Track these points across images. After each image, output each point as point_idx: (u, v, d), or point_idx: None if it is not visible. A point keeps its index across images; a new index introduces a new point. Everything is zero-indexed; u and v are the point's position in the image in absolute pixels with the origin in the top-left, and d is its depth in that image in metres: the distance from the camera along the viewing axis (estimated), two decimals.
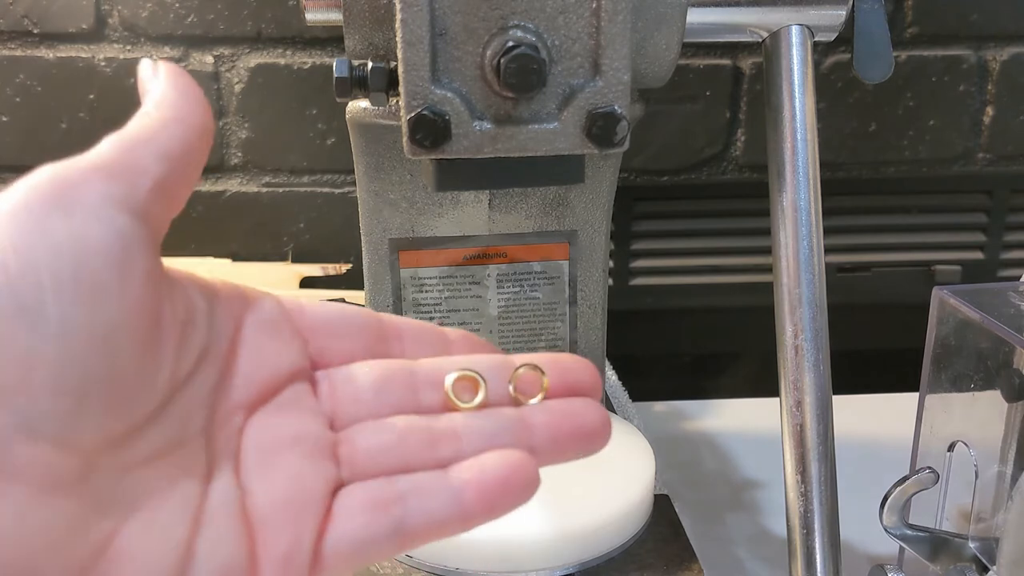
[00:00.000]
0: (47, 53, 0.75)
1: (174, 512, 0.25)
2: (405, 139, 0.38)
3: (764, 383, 0.71)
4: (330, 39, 0.76)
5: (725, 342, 0.88)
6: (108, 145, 0.25)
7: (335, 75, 0.40)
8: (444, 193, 0.52)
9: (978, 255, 0.85)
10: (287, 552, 0.25)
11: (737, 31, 0.49)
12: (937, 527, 0.50)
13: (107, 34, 0.75)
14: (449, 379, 0.28)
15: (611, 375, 0.67)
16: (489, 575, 0.46)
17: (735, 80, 0.80)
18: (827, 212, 0.49)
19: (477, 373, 0.28)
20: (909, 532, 0.47)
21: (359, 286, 0.56)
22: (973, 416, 0.48)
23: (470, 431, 0.28)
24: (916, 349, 0.51)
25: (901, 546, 0.49)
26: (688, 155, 0.82)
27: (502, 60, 0.37)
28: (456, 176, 0.41)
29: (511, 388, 0.29)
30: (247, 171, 0.79)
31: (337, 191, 0.80)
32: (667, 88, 0.50)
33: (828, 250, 0.57)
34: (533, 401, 0.28)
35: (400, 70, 0.37)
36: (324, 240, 0.82)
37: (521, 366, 0.29)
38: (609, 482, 0.49)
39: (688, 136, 0.81)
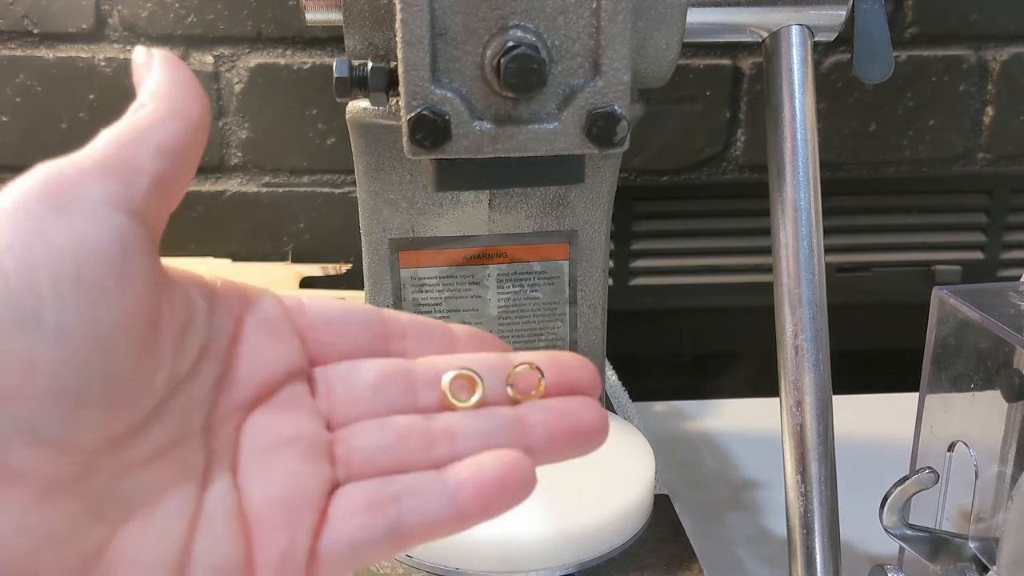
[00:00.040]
0: (47, 53, 0.75)
1: (172, 513, 0.25)
2: (405, 139, 0.38)
3: (764, 383, 0.71)
4: (330, 39, 0.76)
5: (725, 342, 0.88)
6: (104, 142, 0.25)
7: (335, 75, 0.40)
8: (444, 193, 0.52)
9: (978, 255, 0.85)
10: (283, 552, 0.25)
11: (737, 31, 0.49)
12: (937, 527, 0.50)
13: (107, 34, 0.75)
14: (446, 378, 0.28)
15: (611, 375, 0.67)
16: (489, 575, 0.46)
17: (735, 80, 0.80)
18: (827, 212, 0.49)
19: (474, 372, 0.28)
20: (909, 532, 0.47)
21: (359, 286, 0.56)
22: (973, 416, 0.48)
23: (467, 431, 0.28)
24: (916, 349, 0.51)
25: (901, 546, 0.49)
26: (688, 155, 0.82)
27: (502, 60, 0.37)
28: (456, 176, 0.41)
29: (509, 387, 0.28)
30: (247, 171, 0.79)
31: (337, 191, 0.80)
32: (667, 88, 0.50)
33: (828, 250, 0.57)
34: (530, 400, 0.28)
35: (400, 70, 0.37)
36: (324, 240, 0.82)
37: (519, 365, 0.29)
38: (609, 482, 0.49)
39: (688, 136, 0.81)
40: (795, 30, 0.48)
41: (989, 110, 0.82)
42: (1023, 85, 0.82)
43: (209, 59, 0.76)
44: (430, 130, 0.38)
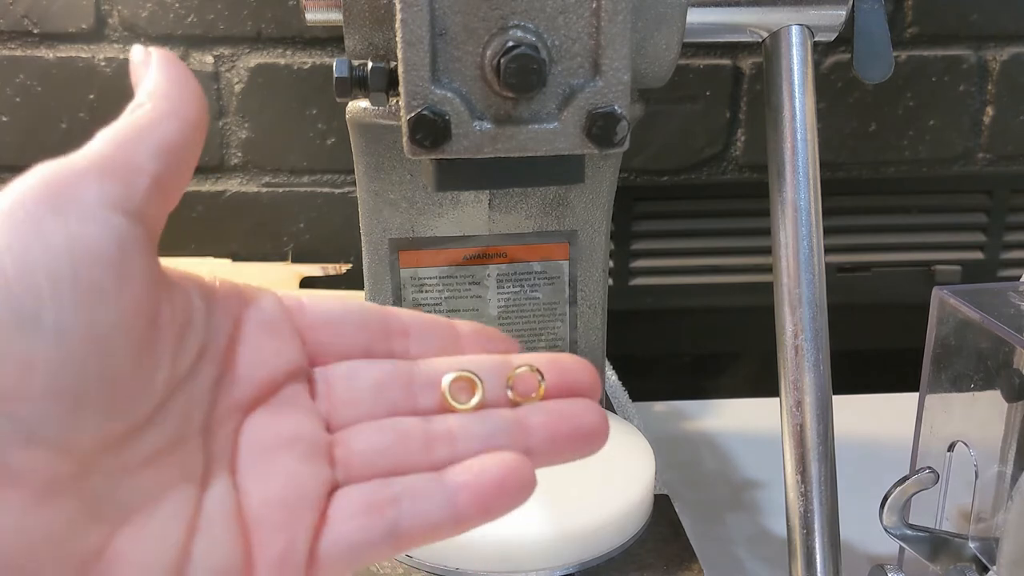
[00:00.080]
0: (47, 53, 0.75)
1: (171, 514, 0.25)
2: (405, 139, 0.38)
3: (764, 383, 0.71)
4: (330, 39, 0.76)
5: (725, 342, 0.88)
6: (102, 142, 0.25)
7: (335, 75, 0.40)
8: (444, 193, 0.52)
9: (978, 255, 0.85)
10: (282, 554, 0.25)
11: (737, 31, 0.49)
12: (937, 527, 0.50)
13: (107, 34, 0.75)
14: (446, 380, 0.28)
15: (611, 375, 0.67)
16: (489, 575, 0.46)
17: (735, 80, 0.80)
18: (827, 212, 0.49)
19: (474, 374, 0.28)
20: (909, 532, 0.47)
21: (359, 286, 0.56)
22: (973, 416, 0.48)
23: (466, 433, 0.27)
24: (916, 349, 0.51)
25: (901, 546, 0.49)
26: (688, 155, 0.82)
27: (502, 60, 0.37)
28: (456, 176, 0.41)
29: (509, 389, 0.28)
30: (247, 171, 0.79)
31: (337, 191, 0.80)
32: (667, 88, 0.50)
33: (828, 250, 0.57)
34: (530, 403, 0.28)
35: (400, 70, 0.37)
36: (324, 240, 0.82)
37: (519, 367, 0.29)
38: (609, 482, 0.49)
39: (688, 136, 0.81)
40: (795, 30, 0.48)
41: (989, 110, 0.82)
42: (1023, 85, 0.82)
43: (209, 59, 0.76)
44: (430, 130, 0.38)
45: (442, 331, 0.30)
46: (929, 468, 0.47)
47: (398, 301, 0.55)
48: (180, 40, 0.75)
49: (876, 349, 0.87)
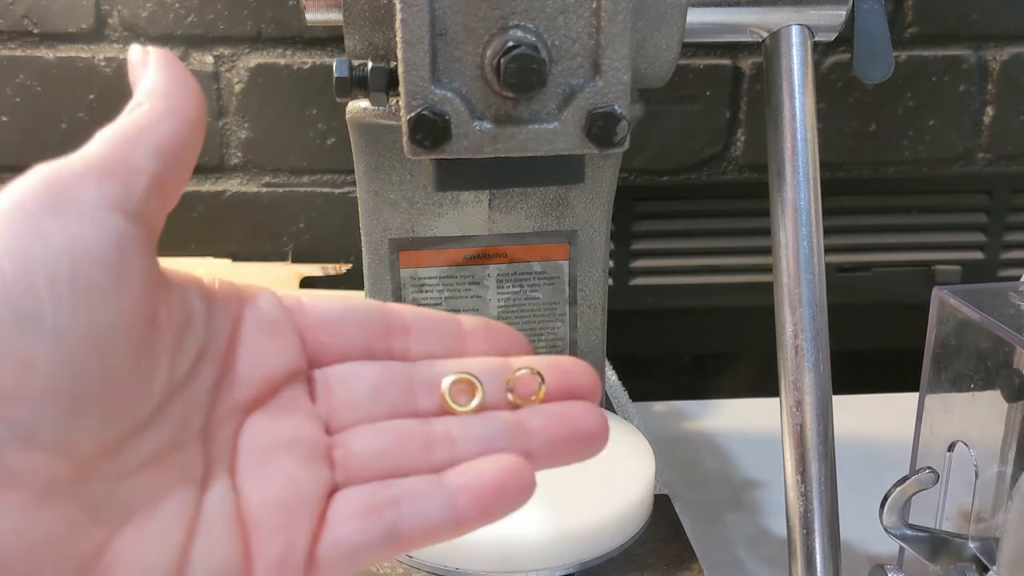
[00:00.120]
0: (47, 53, 0.75)
1: (170, 516, 0.25)
2: (405, 139, 0.38)
3: (764, 383, 0.71)
4: (330, 39, 0.76)
5: (725, 342, 0.88)
6: (101, 142, 0.25)
7: (335, 75, 0.40)
8: (444, 193, 0.52)
9: (978, 255, 0.85)
10: (281, 555, 0.25)
11: (737, 31, 0.49)
12: (937, 527, 0.50)
13: (107, 34, 0.75)
14: (446, 382, 0.28)
15: (611, 375, 0.67)
16: (489, 575, 0.46)
17: (735, 80, 0.80)
18: (827, 212, 0.49)
19: (474, 376, 0.28)
20: (909, 532, 0.47)
21: (359, 286, 0.56)
22: (973, 416, 0.48)
23: (466, 435, 0.27)
24: (916, 349, 0.51)
25: (901, 546, 0.49)
26: (688, 155, 0.82)
27: (502, 60, 0.37)
28: (456, 176, 0.41)
29: (508, 392, 0.28)
30: (247, 171, 0.79)
31: (337, 191, 0.80)
32: (667, 88, 0.50)
33: (828, 250, 0.57)
34: (530, 405, 0.28)
35: (400, 70, 0.37)
36: (324, 240, 0.82)
37: (519, 369, 0.29)
38: (609, 482, 0.49)
39: (688, 136, 0.81)
40: (795, 30, 0.48)
41: (989, 110, 0.82)
42: (1023, 85, 0.82)
43: (209, 59, 0.76)
44: (430, 130, 0.38)
45: (445, 327, 0.30)
46: (929, 468, 0.47)
47: (398, 301, 0.55)
48: (180, 40, 0.75)
49: (876, 349, 0.87)
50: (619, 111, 0.38)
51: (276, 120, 0.78)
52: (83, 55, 0.75)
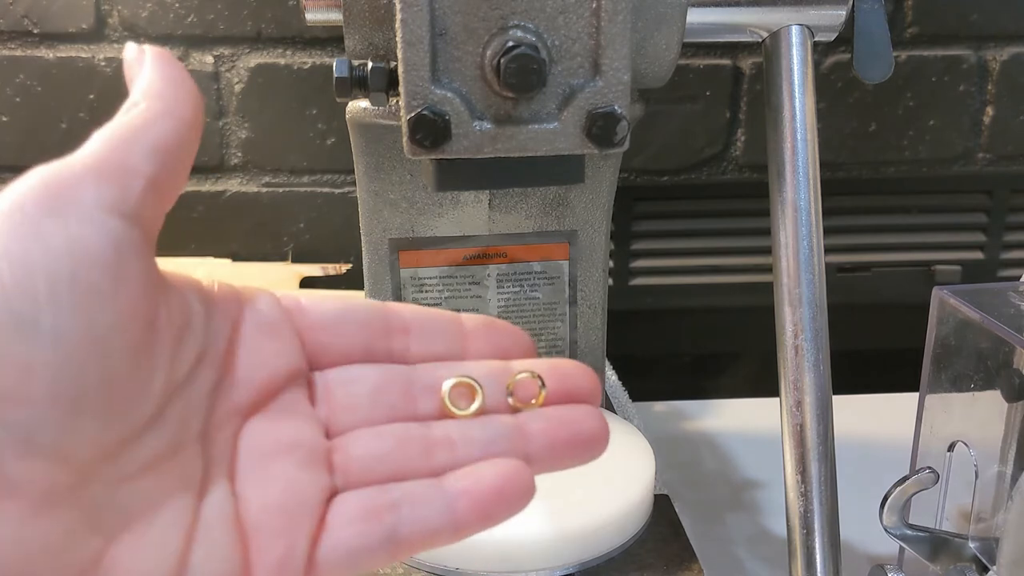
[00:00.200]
0: (47, 53, 0.75)
1: (169, 522, 0.25)
2: (405, 139, 0.38)
3: (764, 383, 0.71)
4: (330, 39, 0.76)
5: (725, 342, 0.88)
6: (98, 143, 0.24)
7: (335, 75, 0.40)
8: (444, 193, 0.52)
9: (978, 255, 0.85)
10: (281, 560, 0.25)
11: (737, 31, 0.49)
12: (937, 527, 0.50)
13: (107, 34, 0.75)
14: (446, 386, 0.28)
15: (611, 375, 0.67)
16: (489, 575, 0.46)
17: (735, 80, 0.80)
18: (827, 212, 0.49)
19: (474, 380, 0.28)
20: (909, 532, 0.47)
21: (359, 286, 0.56)
22: (973, 416, 0.48)
23: (466, 439, 0.27)
24: (916, 349, 0.51)
25: (901, 546, 0.49)
26: (688, 155, 0.82)
27: (502, 60, 0.37)
28: (456, 176, 0.41)
29: (509, 395, 0.28)
30: (247, 171, 0.79)
31: (337, 191, 0.80)
32: (667, 88, 0.50)
33: (828, 250, 0.57)
34: (530, 409, 0.28)
35: (400, 70, 0.37)
36: (324, 240, 0.82)
37: (520, 373, 0.28)
38: (609, 482, 0.49)
39: (688, 136, 0.81)
40: (795, 30, 0.48)
41: (989, 110, 0.82)
42: (1023, 85, 0.82)
43: (209, 59, 0.76)
44: (430, 130, 0.38)
45: (446, 327, 0.30)
46: (929, 468, 0.47)
47: (398, 301, 0.55)
48: (180, 40, 0.75)
49: (876, 349, 0.87)
50: (619, 111, 0.38)
51: (276, 120, 0.78)
52: (83, 55, 0.75)
